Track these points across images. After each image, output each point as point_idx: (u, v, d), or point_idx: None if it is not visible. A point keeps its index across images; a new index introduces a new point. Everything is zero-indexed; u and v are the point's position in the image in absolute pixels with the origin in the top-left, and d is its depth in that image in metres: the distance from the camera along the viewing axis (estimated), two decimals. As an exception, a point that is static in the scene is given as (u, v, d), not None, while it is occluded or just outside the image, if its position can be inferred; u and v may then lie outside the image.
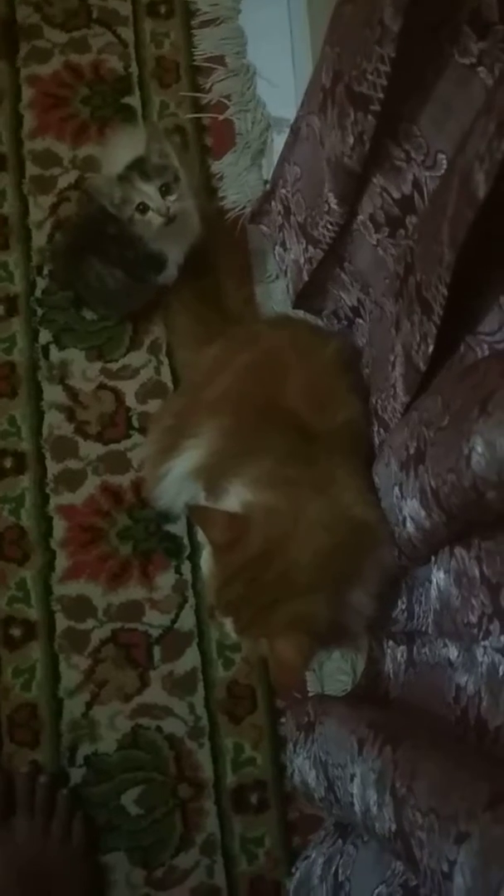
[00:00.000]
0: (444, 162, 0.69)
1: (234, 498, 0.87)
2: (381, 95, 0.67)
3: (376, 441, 0.94)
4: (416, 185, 0.74)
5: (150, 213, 0.99)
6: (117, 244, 1.06)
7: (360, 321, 1.01)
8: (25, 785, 1.06)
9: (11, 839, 1.03)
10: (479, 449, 0.55)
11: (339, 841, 0.85)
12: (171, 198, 0.99)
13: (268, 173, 1.24)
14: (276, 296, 1.22)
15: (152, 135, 1.00)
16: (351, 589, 0.87)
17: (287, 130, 1.00)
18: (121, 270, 1.08)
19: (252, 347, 1.02)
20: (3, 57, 1.28)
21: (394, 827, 0.60)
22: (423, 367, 0.74)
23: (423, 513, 0.73)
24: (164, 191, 0.99)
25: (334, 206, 0.85)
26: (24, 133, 1.26)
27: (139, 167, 0.99)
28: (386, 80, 0.65)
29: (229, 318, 1.15)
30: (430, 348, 0.71)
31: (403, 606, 0.91)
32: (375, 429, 0.93)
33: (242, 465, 0.90)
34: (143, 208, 0.99)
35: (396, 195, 0.77)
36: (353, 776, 0.72)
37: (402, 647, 0.92)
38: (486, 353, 0.67)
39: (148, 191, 0.98)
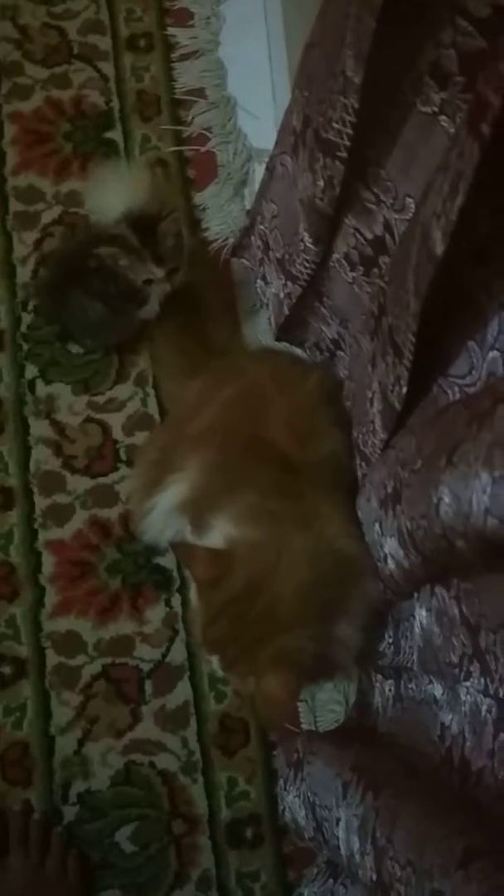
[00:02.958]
0: (412, 205, 0.69)
1: (219, 533, 0.87)
2: (347, 143, 0.67)
3: (359, 474, 0.94)
4: (387, 226, 0.74)
5: (153, 287, 1.05)
6: (98, 277, 1.07)
7: (342, 353, 1.02)
8: (19, 823, 1.06)
9: (6, 878, 1.03)
10: (447, 499, 0.55)
11: (330, 880, 0.85)
12: (177, 277, 1.05)
13: (250, 204, 1.24)
14: (261, 326, 1.22)
15: (171, 220, 1.03)
16: (336, 622, 0.86)
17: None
18: (101, 303, 1.09)
19: (235, 381, 1.02)
20: (-16, 95, 1.29)
21: (374, 876, 0.60)
22: (398, 406, 0.74)
23: (401, 552, 0.74)
24: (171, 272, 1.04)
25: (309, 245, 0.86)
26: (6, 170, 1.27)
27: (151, 245, 1.02)
28: (351, 128, 0.66)
29: (214, 350, 1.16)
30: (404, 390, 0.71)
31: (390, 640, 0.91)
32: (358, 462, 0.94)
33: (226, 499, 0.90)
34: (147, 282, 1.05)
35: (369, 236, 0.78)
36: (338, 820, 0.72)
37: (390, 682, 0.92)
38: (458, 395, 0.67)
39: (157, 273, 1.04)
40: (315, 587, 0.83)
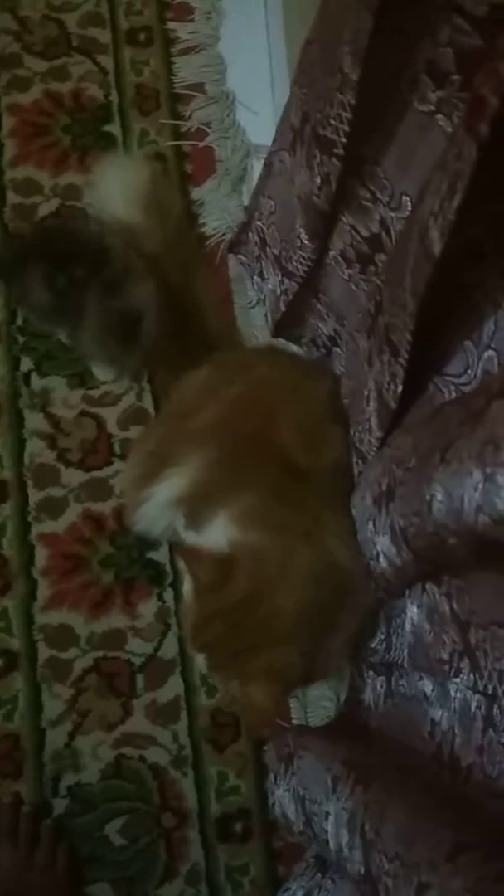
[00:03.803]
0: (409, 204, 0.69)
1: (220, 531, 0.86)
2: (343, 140, 0.68)
3: (356, 472, 0.94)
4: (384, 224, 0.74)
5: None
6: (85, 266, 0.97)
7: (338, 350, 1.02)
8: (8, 815, 1.06)
9: (-5, 870, 1.03)
10: (439, 497, 0.56)
11: (319, 875, 0.85)
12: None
13: (248, 200, 1.24)
14: (256, 321, 1.22)
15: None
16: (330, 637, 0.86)
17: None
18: (65, 280, 0.97)
19: (242, 380, 1.01)
20: (-17, 86, 1.29)
21: (362, 870, 0.61)
22: (393, 405, 0.75)
23: (394, 550, 0.74)
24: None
25: (306, 242, 0.86)
26: (4, 161, 1.27)
27: None
28: (348, 125, 0.66)
29: (209, 344, 1.15)
30: (399, 388, 0.71)
31: (382, 637, 0.91)
32: (354, 460, 0.94)
33: (229, 497, 0.89)
34: None
35: (365, 233, 0.78)
36: (327, 814, 0.73)
37: (382, 678, 0.93)
38: (454, 394, 0.67)
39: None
40: (315, 604, 0.83)
